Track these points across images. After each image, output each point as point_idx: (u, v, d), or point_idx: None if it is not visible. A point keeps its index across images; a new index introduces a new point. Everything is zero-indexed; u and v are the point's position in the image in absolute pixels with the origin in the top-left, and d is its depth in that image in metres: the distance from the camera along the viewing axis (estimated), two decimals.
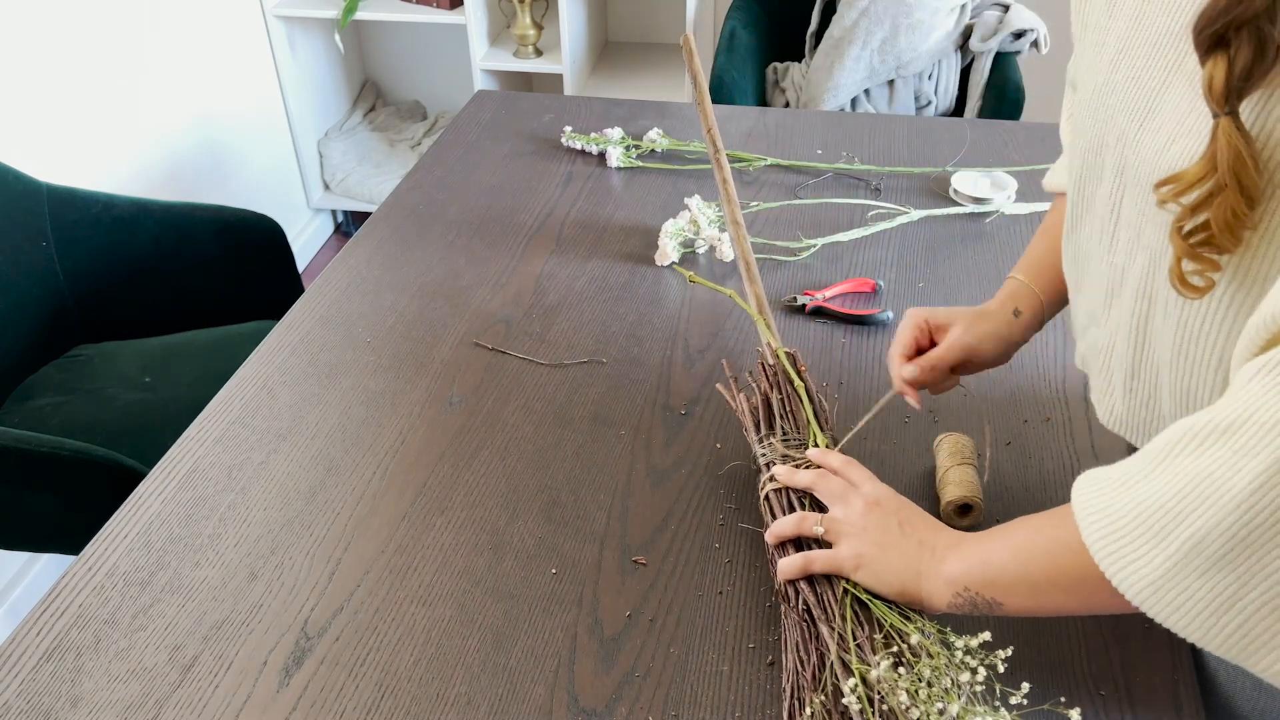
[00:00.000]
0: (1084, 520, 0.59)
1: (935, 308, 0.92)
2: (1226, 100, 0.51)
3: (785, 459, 0.85)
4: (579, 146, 1.54)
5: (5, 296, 1.52)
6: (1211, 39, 0.51)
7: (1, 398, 1.54)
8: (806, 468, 0.82)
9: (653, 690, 0.76)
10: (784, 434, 0.87)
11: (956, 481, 0.89)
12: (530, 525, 0.90)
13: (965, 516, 0.88)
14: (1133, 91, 0.63)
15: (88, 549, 0.88)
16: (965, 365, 0.90)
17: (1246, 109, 0.53)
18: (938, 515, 0.89)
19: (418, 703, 0.75)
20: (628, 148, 1.51)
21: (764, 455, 0.87)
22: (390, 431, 1.01)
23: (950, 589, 0.69)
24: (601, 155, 1.53)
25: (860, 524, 0.75)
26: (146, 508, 0.93)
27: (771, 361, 0.94)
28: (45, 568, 1.89)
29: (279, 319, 1.19)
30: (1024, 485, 0.93)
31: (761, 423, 0.89)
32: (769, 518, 0.82)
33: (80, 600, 0.84)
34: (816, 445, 0.86)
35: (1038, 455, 0.96)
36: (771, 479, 0.83)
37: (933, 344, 0.91)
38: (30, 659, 0.79)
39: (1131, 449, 0.95)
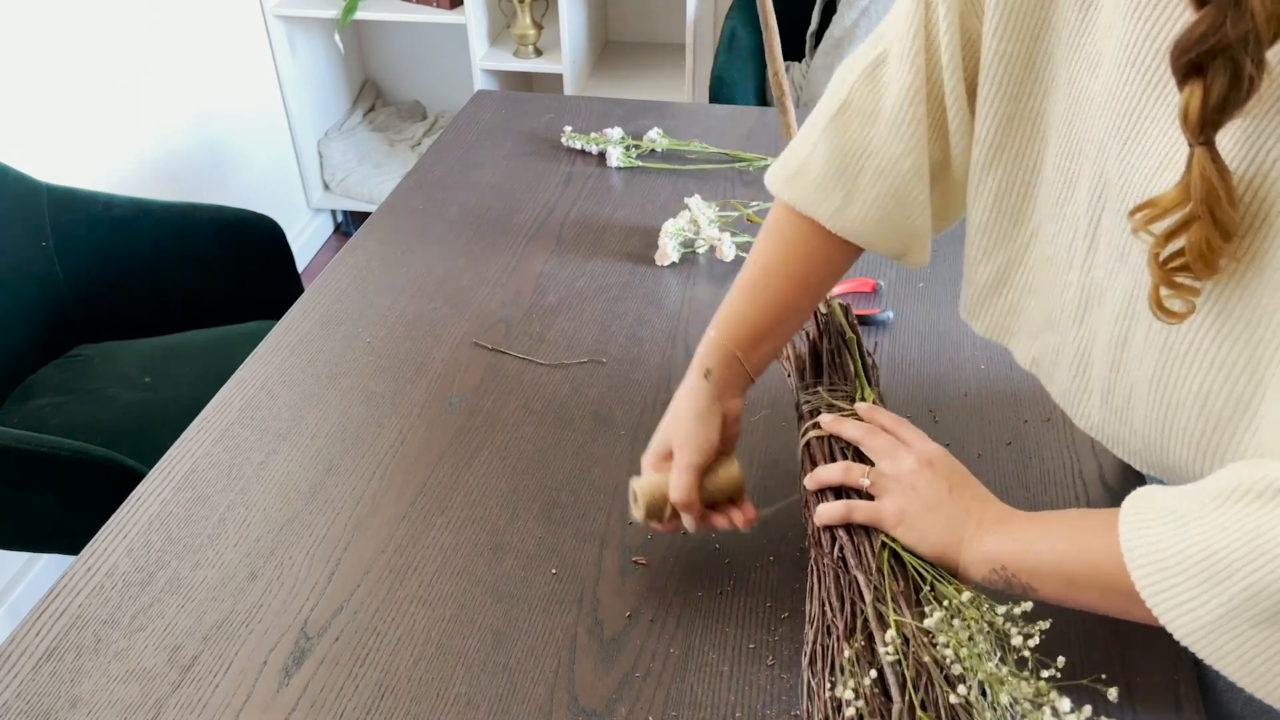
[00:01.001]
0: (1131, 554, 0.59)
1: (654, 444, 0.84)
2: (1201, 130, 0.50)
3: (831, 408, 0.83)
4: (579, 146, 1.54)
5: (5, 296, 1.52)
6: (1187, 67, 0.49)
7: (1, 398, 1.54)
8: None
9: (653, 690, 0.75)
10: (831, 384, 0.85)
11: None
12: (530, 525, 0.90)
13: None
14: (1111, 107, 0.61)
15: (88, 549, 0.88)
16: (709, 466, 0.81)
17: (1231, 140, 0.53)
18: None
19: (418, 703, 0.75)
20: (628, 148, 1.51)
21: (809, 403, 0.85)
22: (390, 431, 1.01)
23: (988, 564, 0.69)
24: (601, 155, 1.52)
25: (909, 481, 0.74)
26: (146, 508, 0.93)
27: (824, 310, 0.92)
28: (45, 568, 1.89)
29: (279, 319, 1.19)
30: (1024, 485, 0.93)
31: (808, 370, 0.87)
32: (808, 465, 0.81)
33: (80, 600, 0.84)
34: (864, 399, 0.84)
35: (1038, 455, 0.96)
36: (816, 425, 0.82)
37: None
38: (30, 659, 0.79)
39: None
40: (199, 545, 0.89)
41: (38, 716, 0.75)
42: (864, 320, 1.14)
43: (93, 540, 0.89)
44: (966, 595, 0.68)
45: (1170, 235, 0.54)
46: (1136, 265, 0.62)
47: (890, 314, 1.15)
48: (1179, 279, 0.55)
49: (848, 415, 0.82)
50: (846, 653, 0.66)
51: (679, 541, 0.88)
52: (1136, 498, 0.61)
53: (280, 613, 0.82)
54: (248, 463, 0.97)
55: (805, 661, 0.70)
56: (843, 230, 0.81)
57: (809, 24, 2.27)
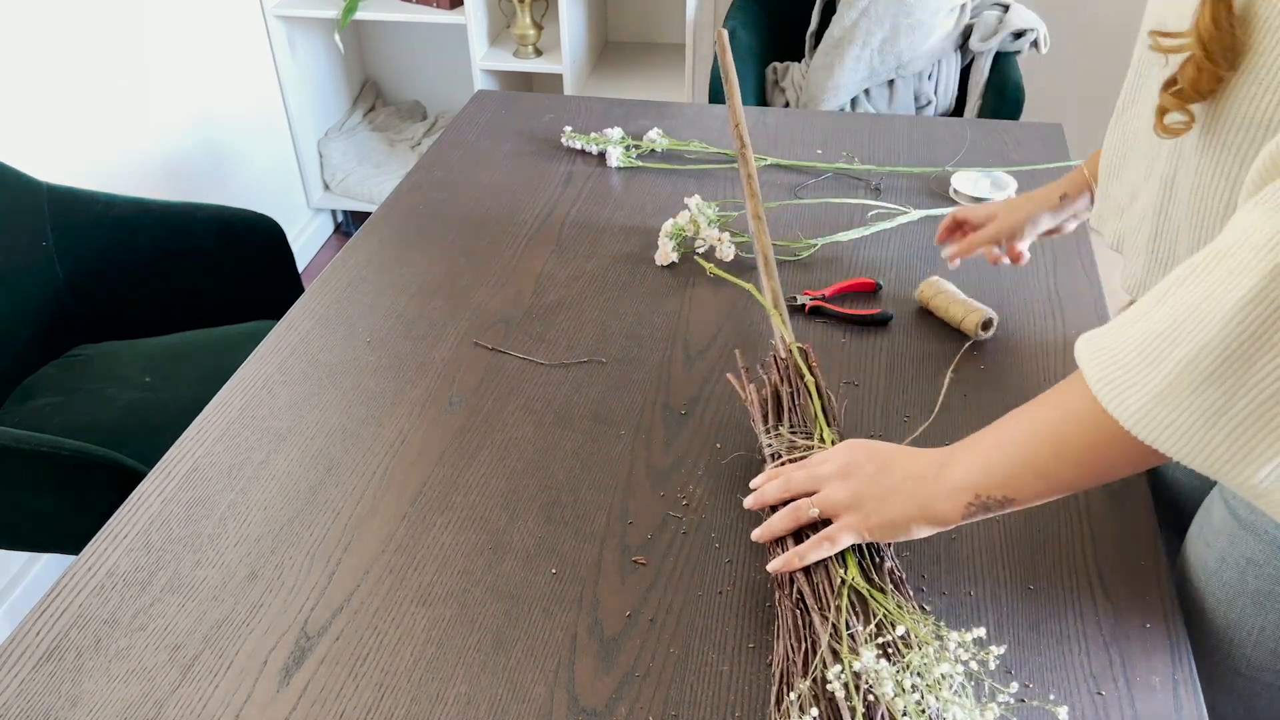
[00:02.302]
0: (1085, 362, 0.62)
1: (974, 210, 1.11)
2: None
3: (792, 448, 0.85)
4: (579, 146, 1.54)
5: (5, 296, 1.52)
6: None
7: (1, 398, 1.54)
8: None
9: (653, 690, 0.76)
10: (791, 426, 0.88)
11: (971, 307, 1.10)
12: (530, 525, 0.90)
13: (987, 330, 1.10)
14: None
15: (88, 549, 0.88)
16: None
17: None
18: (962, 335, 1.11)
19: (418, 703, 0.75)
20: (627, 148, 1.51)
21: (770, 445, 0.87)
22: (390, 431, 1.01)
23: (960, 503, 0.70)
24: (601, 155, 1.52)
25: (843, 484, 0.76)
26: (146, 508, 0.93)
27: (784, 355, 0.94)
28: (45, 568, 1.89)
29: (279, 319, 1.19)
30: None
31: (770, 414, 0.89)
32: (772, 509, 0.82)
33: (80, 600, 0.84)
34: (823, 439, 0.86)
35: None
36: (781, 463, 0.84)
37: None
38: (30, 659, 0.79)
39: None
40: (199, 545, 0.89)
41: (38, 716, 0.75)
42: (864, 320, 1.14)
43: (93, 540, 0.89)
44: (901, 629, 0.70)
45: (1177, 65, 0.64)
46: (1207, 153, 0.67)
47: (890, 314, 1.15)
48: (1175, 99, 0.65)
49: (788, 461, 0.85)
50: (804, 687, 0.67)
51: (679, 541, 0.88)
52: (1086, 334, 0.65)
53: (280, 613, 0.82)
54: (248, 463, 0.97)
55: (773, 701, 0.71)
56: None
57: (809, 24, 2.27)
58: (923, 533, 0.73)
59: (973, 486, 0.70)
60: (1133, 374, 0.58)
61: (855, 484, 0.75)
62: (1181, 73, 0.64)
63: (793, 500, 0.80)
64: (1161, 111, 0.67)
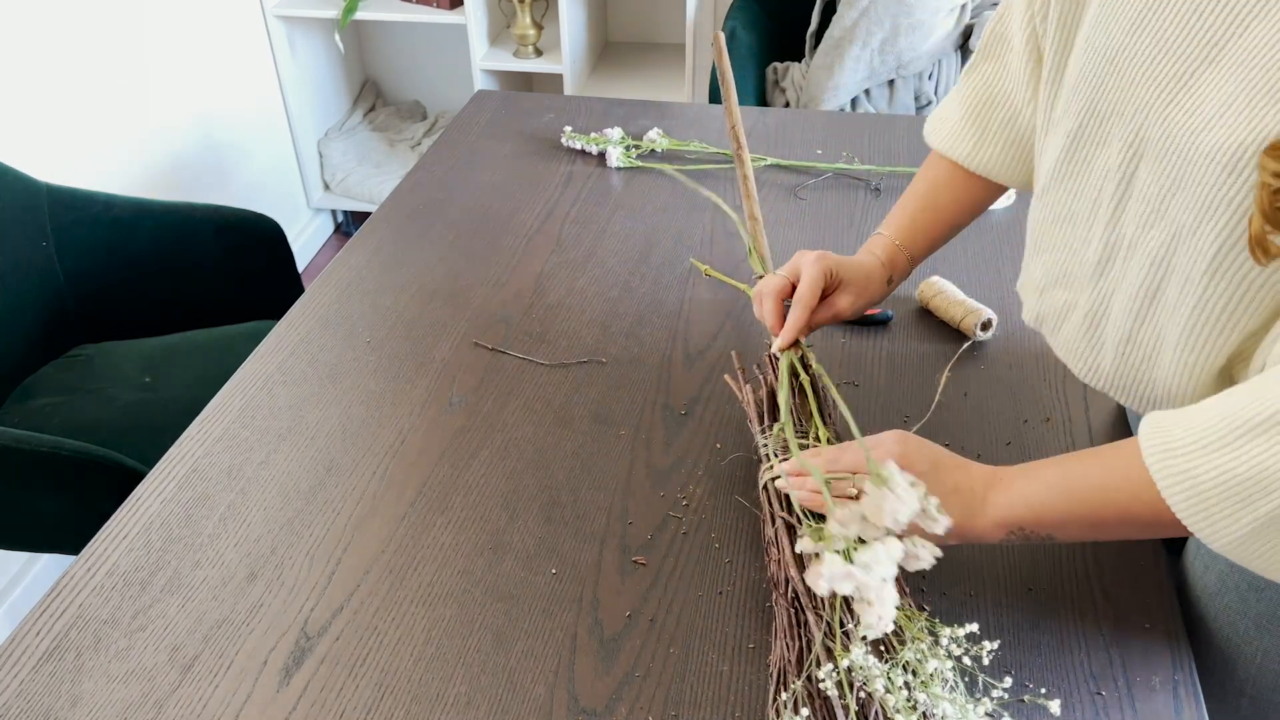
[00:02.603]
0: (1166, 484, 0.62)
1: (839, 263, 0.94)
2: None
3: (788, 448, 0.85)
4: (579, 146, 1.54)
5: (5, 296, 1.52)
6: None
7: (1, 398, 1.54)
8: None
9: (653, 690, 0.76)
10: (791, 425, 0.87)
11: (971, 307, 1.10)
12: (530, 525, 0.90)
13: (987, 330, 1.09)
14: (1160, 63, 0.63)
15: (88, 549, 0.88)
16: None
17: None
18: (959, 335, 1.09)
19: (418, 703, 0.75)
20: (627, 148, 1.51)
21: (766, 446, 0.87)
22: (390, 431, 1.01)
23: (1002, 529, 0.71)
24: (601, 155, 1.52)
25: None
26: (146, 508, 0.93)
27: (778, 354, 0.94)
28: (45, 568, 1.89)
29: (279, 319, 1.19)
30: None
31: (766, 414, 0.89)
32: (768, 507, 0.83)
33: (80, 600, 0.84)
34: (819, 439, 0.86)
35: (1038, 455, 0.96)
36: (770, 469, 0.84)
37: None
38: (30, 659, 0.79)
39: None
40: (199, 545, 0.89)
41: (38, 716, 0.75)
42: (864, 320, 1.14)
43: (93, 540, 0.89)
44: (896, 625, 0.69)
45: None
46: (1177, 218, 0.65)
47: (890, 314, 1.15)
48: None
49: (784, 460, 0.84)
50: (798, 685, 0.67)
51: (679, 541, 0.88)
52: (1152, 432, 0.64)
53: (280, 613, 0.82)
54: (248, 463, 0.97)
55: (770, 700, 0.71)
56: (977, 169, 0.94)
57: (809, 24, 2.27)
58: (950, 542, 0.73)
59: (1019, 521, 0.70)
60: (1222, 511, 0.60)
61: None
62: None
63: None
64: (1261, 236, 0.59)
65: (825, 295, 0.93)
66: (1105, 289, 0.74)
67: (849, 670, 0.67)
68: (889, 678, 0.66)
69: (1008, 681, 0.69)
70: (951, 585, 0.83)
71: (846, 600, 0.73)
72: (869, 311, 1.14)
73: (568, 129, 1.56)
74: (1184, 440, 0.62)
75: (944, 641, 0.68)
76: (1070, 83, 0.73)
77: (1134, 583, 0.83)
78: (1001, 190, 0.97)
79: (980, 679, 0.72)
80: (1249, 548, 0.60)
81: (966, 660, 0.69)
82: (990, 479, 0.72)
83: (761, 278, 1.00)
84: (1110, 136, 0.70)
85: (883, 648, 0.70)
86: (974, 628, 0.69)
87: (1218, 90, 0.60)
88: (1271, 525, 0.59)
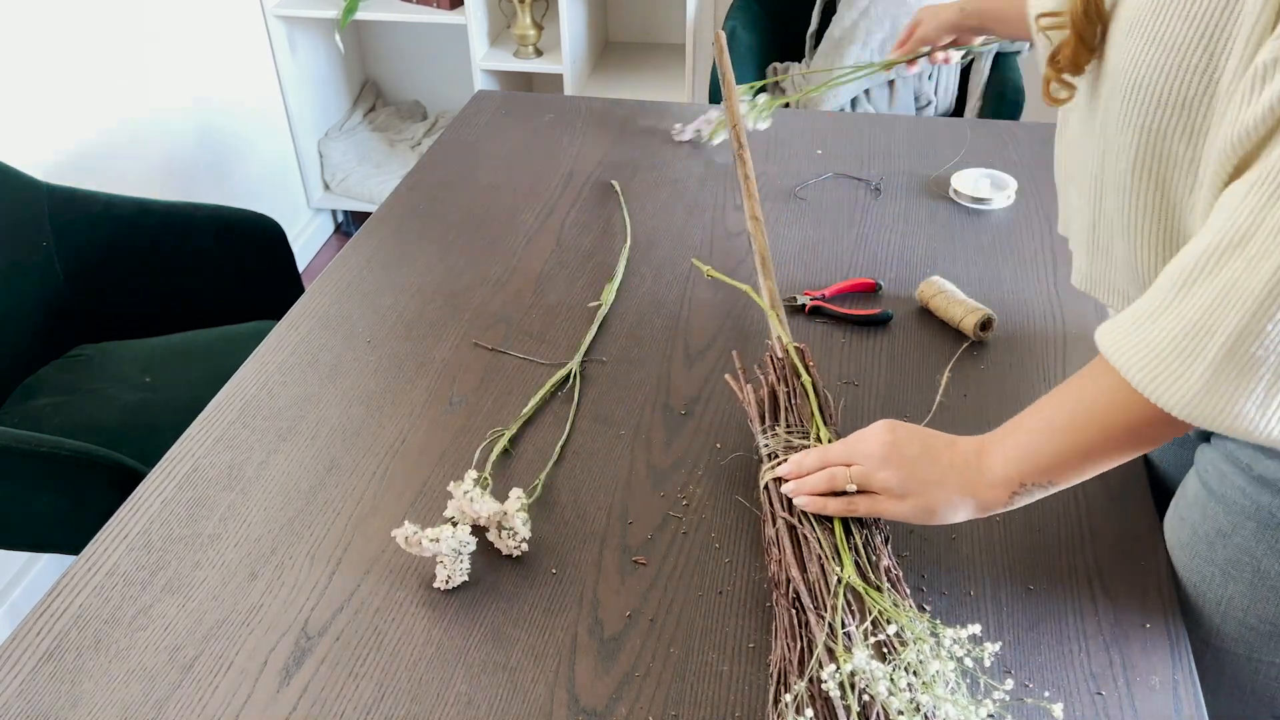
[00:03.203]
0: (1123, 360, 0.65)
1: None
2: None
3: (789, 448, 0.86)
4: (689, 138, 1.54)
5: (5, 296, 1.52)
6: None
7: (1, 398, 1.54)
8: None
9: (653, 690, 0.76)
10: (788, 426, 0.88)
11: (970, 307, 1.10)
12: (530, 525, 0.90)
13: (986, 330, 1.09)
14: None
15: (88, 549, 0.88)
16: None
17: None
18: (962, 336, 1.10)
19: (418, 703, 0.75)
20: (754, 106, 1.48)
21: (766, 446, 0.87)
22: (390, 431, 1.01)
23: (1006, 491, 0.73)
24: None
25: (885, 461, 0.77)
26: (146, 508, 0.93)
27: (780, 355, 0.94)
28: (45, 568, 1.89)
29: (279, 319, 1.19)
30: None
31: (766, 414, 0.90)
32: (769, 507, 0.83)
33: (80, 600, 0.84)
34: (819, 439, 0.86)
35: None
36: (773, 469, 0.84)
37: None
38: (30, 659, 0.79)
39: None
40: (199, 545, 0.89)
41: (38, 716, 0.75)
42: (864, 320, 1.14)
43: (93, 540, 0.89)
44: (893, 629, 0.70)
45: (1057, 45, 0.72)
46: (1103, 134, 0.72)
47: (890, 314, 1.15)
48: (1059, 73, 0.74)
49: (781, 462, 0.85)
50: (801, 687, 0.67)
51: (679, 541, 0.88)
52: (1104, 327, 0.68)
53: (280, 613, 0.82)
54: (248, 463, 0.97)
55: (770, 701, 0.71)
56: None
57: (809, 24, 2.27)
58: (963, 518, 0.76)
59: (1019, 475, 0.72)
60: (1174, 368, 0.62)
61: (899, 469, 0.76)
62: (1061, 51, 0.72)
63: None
64: (1046, 82, 0.75)
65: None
66: (1080, 191, 0.81)
67: (851, 673, 0.67)
68: (892, 679, 0.66)
69: (1009, 684, 0.69)
70: (952, 585, 0.83)
71: (848, 601, 0.73)
72: (869, 311, 1.14)
73: (677, 125, 1.56)
74: (1128, 319, 0.65)
75: (946, 643, 0.68)
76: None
77: (1133, 582, 0.83)
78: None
79: (982, 681, 0.72)
80: (1210, 402, 0.60)
81: (968, 662, 0.69)
82: (980, 446, 0.75)
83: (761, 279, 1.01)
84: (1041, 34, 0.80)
85: (885, 650, 0.70)
86: (976, 629, 0.69)
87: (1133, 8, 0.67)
88: (1223, 370, 0.59)
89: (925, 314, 1.16)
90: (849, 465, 0.79)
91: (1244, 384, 0.59)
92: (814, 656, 0.70)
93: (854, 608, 0.72)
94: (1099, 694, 0.74)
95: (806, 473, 0.82)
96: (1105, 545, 0.86)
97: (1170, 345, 0.62)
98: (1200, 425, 0.62)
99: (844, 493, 0.79)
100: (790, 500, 0.81)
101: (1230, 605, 0.77)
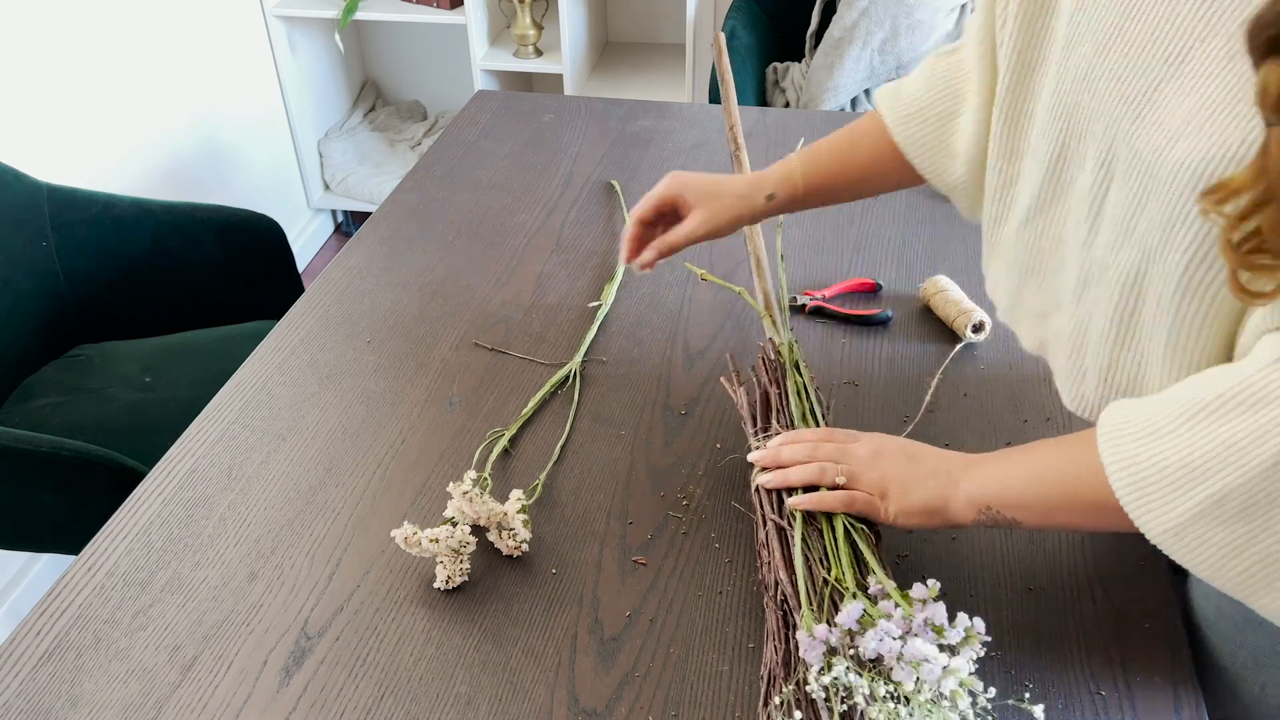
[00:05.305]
0: (1112, 466, 0.63)
1: (691, 181, 0.95)
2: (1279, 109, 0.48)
3: None
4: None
5: (5, 296, 1.52)
6: (1269, 44, 0.48)
7: (1, 398, 1.54)
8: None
9: (653, 690, 0.76)
10: (780, 428, 0.88)
11: (964, 308, 1.10)
12: (530, 525, 0.90)
13: (979, 332, 1.09)
14: (1128, 80, 0.63)
15: (88, 549, 0.88)
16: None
17: None
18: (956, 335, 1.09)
19: (418, 703, 0.75)
20: None
21: (758, 448, 0.87)
22: (390, 431, 1.01)
23: (973, 508, 0.74)
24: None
25: (873, 464, 0.79)
26: (146, 508, 0.93)
27: (773, 356, 0.94)
28: (45, 568, 1.89)
29: (279, 319, 1.19)
30: None
31: (758, 417, 0.89)
32: (760, 510, 0.83)
33: (80, 600, 0.84)
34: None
35: None
36: (762, 470, 0.84)
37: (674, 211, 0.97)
38: (30, 659, 0.79)
39: None
40: (199, 545, 0.89)
41: (38, 716, 0.75)
42: (864, 320, 1.14)
43: (93, 540, 0.89)
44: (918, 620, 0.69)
45: (1243, 217, 0.52)
46: (1144, 239, 0.64)
47: (890, 314, 1.15)
48: (1259, 260, 0.52)
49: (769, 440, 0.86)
50: (785, 690, 0.68)
51: (679, 541, 0.88)
52: (1111, 416, 0.65)
53: (280, 613, 0.82)
54: (248, 463, 0.97)
55: (760, 703, 0.71)
56: (897, 138, 0.90)
57: (809, 24, 2.27)
58: (934, 525, 0.77)
59: (987, 499, 0.73)
60: (1160, 497, 0.61)
61: (885, 468, 0.78)
62: (1265, 222, 0.51)
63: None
64: (1233, 274, 0.54)
65: (678, 216, 0.96)
66: (1082, 316, 0.73)
67: (834, 681, 0.66)
68: (871, 689, 0.65)
69: (992, 691, 0.67)
70: (951, 585, 0.83)
71: (835, 605, 0.72)
72: (869, 311, 1.14)
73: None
74: (1138, 425, 0.63)
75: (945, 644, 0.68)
76: (1046, 105, 0.72)
77: (1134, 583, 0.83)
78: (911, 183, 0.94)
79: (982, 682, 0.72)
80: (1185, 539, 0.60)
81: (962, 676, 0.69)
82: (966, 462, 0.76)
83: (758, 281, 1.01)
84: (1086, 158, 0.69)
85: (870, 663, 0.69)
86: (971, 624, 0.68)
87: (1180, 105, 0.59)
88: (1203, 517, 0.58)
89: (925, 314, 1.16)
90: (838, 464, 0.80)
91: (1221, 534, 0.58)
92: (800, 661, 0.70)
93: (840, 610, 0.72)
94: (1099, 694, 0.74)
95: (788, 463, 0.82)
96: (1105, 545, 0.86)
97: (1161, 474, 0.60)
98: (1171, 556, 0.62)
99: (834, 488, 0.79)
100: (781, 503, 0.81)
101: (1265, 691, 0.75)
